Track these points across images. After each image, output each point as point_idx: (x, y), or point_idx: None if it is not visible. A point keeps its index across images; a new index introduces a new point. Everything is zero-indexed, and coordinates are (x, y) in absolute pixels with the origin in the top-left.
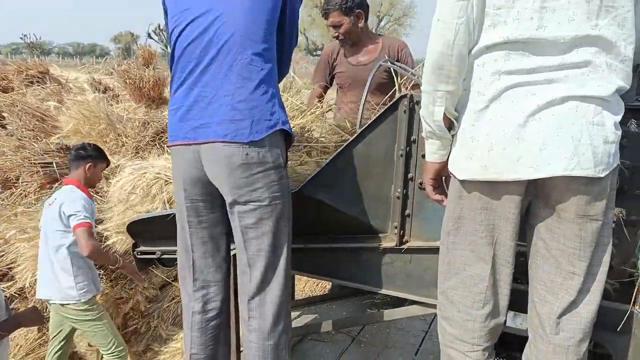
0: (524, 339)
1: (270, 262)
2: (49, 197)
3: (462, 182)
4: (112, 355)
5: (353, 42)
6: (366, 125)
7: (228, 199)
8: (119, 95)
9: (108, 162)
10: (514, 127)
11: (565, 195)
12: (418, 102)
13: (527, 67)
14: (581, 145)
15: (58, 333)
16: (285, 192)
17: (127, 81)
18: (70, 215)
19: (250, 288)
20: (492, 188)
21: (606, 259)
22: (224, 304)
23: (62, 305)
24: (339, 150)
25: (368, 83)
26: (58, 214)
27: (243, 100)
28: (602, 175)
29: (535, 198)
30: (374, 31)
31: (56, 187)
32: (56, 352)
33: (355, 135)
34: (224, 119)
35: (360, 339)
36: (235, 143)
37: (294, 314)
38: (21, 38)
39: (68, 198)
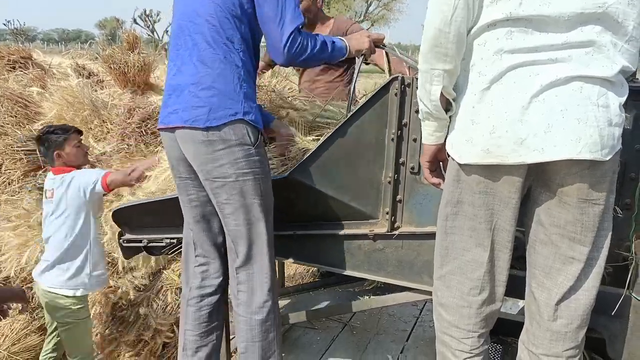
0: (512, 323)
1: (250, 237)
2: (33, 184)
3: (461, 165)
4: None
5: (309, 20)
6: (356, 108)
7: (200, 176)
8: (103, 81)
9: (78, 132)
10: (517, 108)
11: (568, 179)
12: (409, 85)
13: (529, 45)
14: (587, 128)
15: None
16: (256, 169)
17: (112, 66)
18: (92, 183)
19: (237, 262)
20: (493, 171)
21: (606, 243)
22: (221, 285)
23: (54, 293)
24: (328, 134)
25: (356, 71)
26: (73, 190)
27: (205, 88)
28: (607, 159)
29: (535, 182)
30: (362, 17)
31: (40, 174)
32: (51, 348)
33: (345, 119)
34: (187, 105)
35: (351, 325)
36: (194, 129)
37: (283, 302)
38: (4, 24)
39: (77, 175)
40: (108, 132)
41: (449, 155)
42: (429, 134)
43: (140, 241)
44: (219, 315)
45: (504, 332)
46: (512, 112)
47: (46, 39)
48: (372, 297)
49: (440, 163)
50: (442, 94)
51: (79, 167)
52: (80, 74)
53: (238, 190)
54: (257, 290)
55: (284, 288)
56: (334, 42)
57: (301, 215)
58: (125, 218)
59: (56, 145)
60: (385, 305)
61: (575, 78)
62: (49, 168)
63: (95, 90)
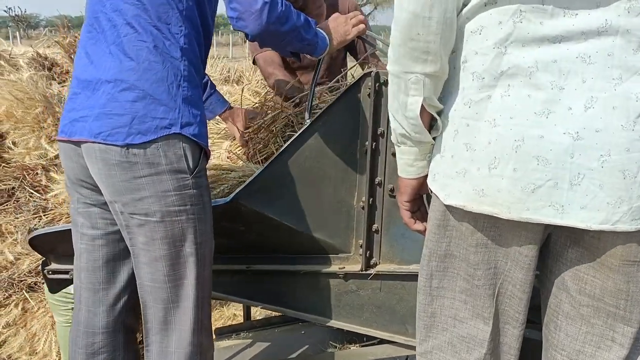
0: None
1: (171, 298)
2: None
3: (449, 206)
4: None
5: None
6: (319, 113)
7: (111, 208)
8: (68, 72)
9: None
10: (532, 138)
11: (608, 234)
12: (387, 82)
13: (549, 33)
14: (636, 185)
15: None
16: (192, 205)
17: (73, 56)
18: None
19: (146, 331)
20: (493, 220)
21: None
22: (120, 355)
23: None
24: (282, 147)
25: (318, 67)
26: None
27: (127, 88)
28: None
29: (559, 230)
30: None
31: None
32: None
33: (304, 127)
34: (100, 112)
35: None
36: (108, 144)
37: (246, 341)
38: (5, 11)
39: None
40: None
41: (431, 191)
42: (408, 164)
43: (68, 272)
44: None
45: None
46: (524, 141)
47: (49, 25)
48: (347, 346)
49: (424, 197)
50: (423, 107)
51: None
52: (42, 65)
53: (163, 233)
54: None
55: (249, 322)
56: (316, 27)
57: (255, 247)
58: (49, 246)
59: None
60: None
61: (626, 101)
62: None
63: (50, 84)
